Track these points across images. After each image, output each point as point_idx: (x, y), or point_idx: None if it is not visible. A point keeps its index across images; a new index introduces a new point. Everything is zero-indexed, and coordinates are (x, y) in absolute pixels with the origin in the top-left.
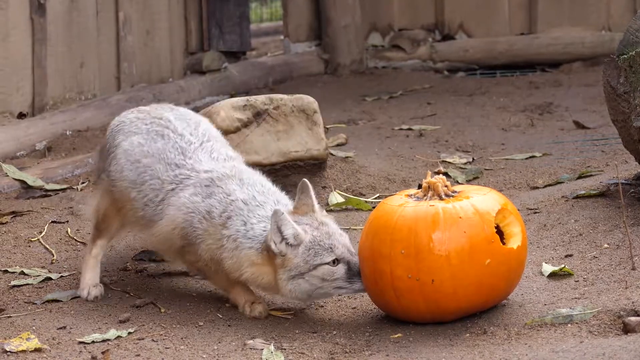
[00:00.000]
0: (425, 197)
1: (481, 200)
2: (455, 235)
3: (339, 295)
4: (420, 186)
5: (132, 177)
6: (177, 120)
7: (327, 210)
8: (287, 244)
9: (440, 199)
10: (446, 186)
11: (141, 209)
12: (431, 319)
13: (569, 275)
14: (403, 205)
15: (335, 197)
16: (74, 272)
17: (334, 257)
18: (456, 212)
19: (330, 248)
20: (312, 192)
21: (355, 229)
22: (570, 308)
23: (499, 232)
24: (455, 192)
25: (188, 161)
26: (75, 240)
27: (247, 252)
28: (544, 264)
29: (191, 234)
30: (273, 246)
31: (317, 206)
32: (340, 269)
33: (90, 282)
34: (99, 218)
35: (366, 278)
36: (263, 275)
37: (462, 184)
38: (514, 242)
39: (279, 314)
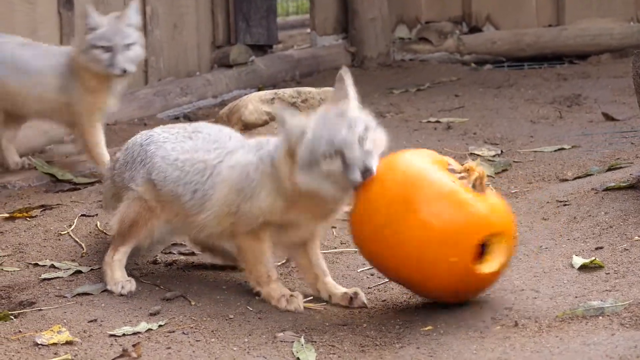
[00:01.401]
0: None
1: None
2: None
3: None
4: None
5: (176, 174)
6: (201, 126)
7: None
8: (292, 133)
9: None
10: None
11: (190, 198)
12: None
13: (599, 267)
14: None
15: None
16: None
17: (333, 150)
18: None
19: (331, 140)
20: (349, 81)
21: None
22: (602, 300)
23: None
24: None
25: (228, 143)
26: (105, 233)
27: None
28: (574, 256)
29: (248, 187)
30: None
31: (351, 94)
32: (337, 161)
33: (122, 278)
34: (125, 227)
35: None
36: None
37: (491, 176)
38: (490, 265)
39: (311, 306)
